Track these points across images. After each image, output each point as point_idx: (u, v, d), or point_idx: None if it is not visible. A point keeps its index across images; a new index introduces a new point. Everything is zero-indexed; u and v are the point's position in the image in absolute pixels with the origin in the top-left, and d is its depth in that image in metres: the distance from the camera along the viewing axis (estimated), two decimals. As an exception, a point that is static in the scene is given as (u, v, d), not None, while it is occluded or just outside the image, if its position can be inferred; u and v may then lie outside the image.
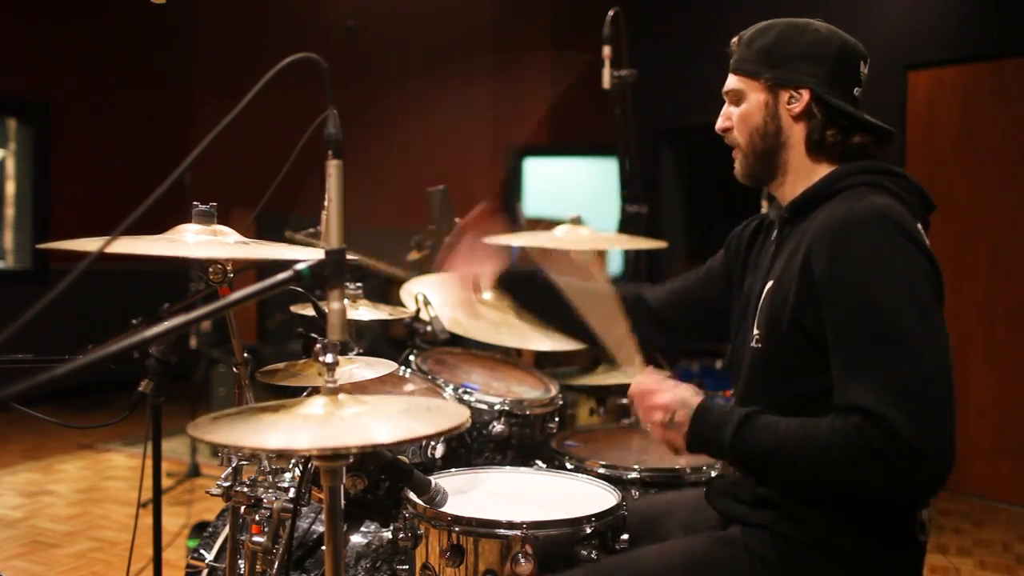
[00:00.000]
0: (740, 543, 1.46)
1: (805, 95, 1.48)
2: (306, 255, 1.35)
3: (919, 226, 1.41)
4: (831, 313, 1.34)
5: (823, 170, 1.50)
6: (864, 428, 1.25)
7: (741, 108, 1.54)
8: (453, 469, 1.86)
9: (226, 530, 1.81)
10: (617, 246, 3.66)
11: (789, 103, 1.50)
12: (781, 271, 1.47)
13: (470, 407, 2.17)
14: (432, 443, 1.95)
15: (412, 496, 1.56)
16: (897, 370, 1.26)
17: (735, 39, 1.58)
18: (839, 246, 1.34)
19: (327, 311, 1.12)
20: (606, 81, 3.01)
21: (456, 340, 2.56)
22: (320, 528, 1.93)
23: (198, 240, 1.48)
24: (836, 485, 1.31)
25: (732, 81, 1.56)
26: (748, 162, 1.56)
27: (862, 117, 1.49)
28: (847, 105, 1.48)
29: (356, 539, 1.90)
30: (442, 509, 1.52)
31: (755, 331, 1.51)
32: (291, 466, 1.67)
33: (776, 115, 1.51)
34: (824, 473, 1.30)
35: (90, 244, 1.36)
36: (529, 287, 1.90)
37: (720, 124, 1.59)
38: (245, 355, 1.65)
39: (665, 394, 1.48)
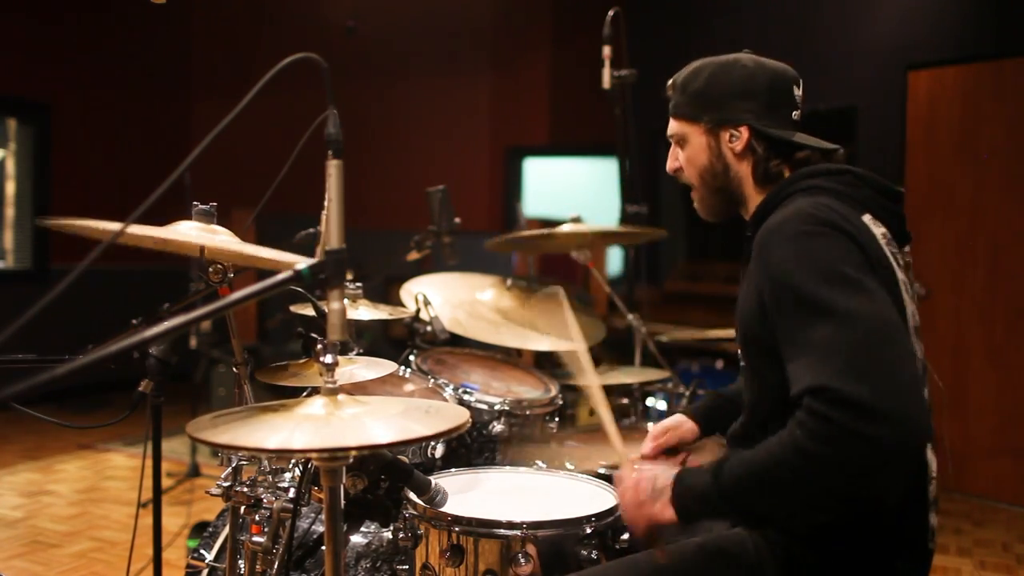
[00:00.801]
0: (747, 546, 1.46)
1: (744, 132, 1.53)
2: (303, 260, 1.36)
3: (867, 217, 1.41)
4: (775, 318, 1.33)
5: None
6: (814, 408, 1.19)
7: (687, 151, 1.60)
8: (453, 469, 1.86)
9: (226, 530, 1.81)
10: (617, 241, 3.66)
11: (730, 141, 1.54)
12: (744, 290, 1.51)
13: (470, 407, 2.17)
14: (432, 443, 1.95)
15: (412, 496, 1.56)
16: (832, 341, 1.21)
17: (669, 83, 1.63)
18: (764, 256, 1.36)
19: (327, 311, 1.12)
20: (606, 81, 3.01)
21: (456, 340, 2.57)
22: (320, 528, 1.93)
23: (197, 236, 1.48)
24: (815, 480, 1.21)
25: (673, 126, 1.62)
26: (707, 201, 1.62)
27: (802, 143, 1.52)
28: (787, 133, 1.51)
29: (356, 539, 1.90)
30: (442, 509, 1.52)
31: (740, 350, 1.55)
32: (291, 466, 1.67)
33: (720, 154, 1.56)
34: (797, 470, 1.21)
35: (95, 225, 1.36)
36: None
37: (670, 165, 1.65)
38: (245, 355, 1.65)
39: (644, 474, 1.40)
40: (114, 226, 1.11)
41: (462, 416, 1.18)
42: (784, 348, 1.30)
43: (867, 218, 1.41)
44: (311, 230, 2.00)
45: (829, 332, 1.22)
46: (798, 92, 1.56)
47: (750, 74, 1.53)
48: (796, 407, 1.23)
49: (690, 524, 1.36)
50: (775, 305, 1.32)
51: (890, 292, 1.34)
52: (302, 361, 1.66)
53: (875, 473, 1.19)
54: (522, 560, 1.45)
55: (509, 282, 2.82)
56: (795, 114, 1.55)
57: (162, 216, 1.30)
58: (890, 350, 1.20)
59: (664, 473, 1.37)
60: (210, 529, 2.07)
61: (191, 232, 1.51)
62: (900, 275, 1.41)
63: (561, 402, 2.41)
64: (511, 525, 1.47)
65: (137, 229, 1.36)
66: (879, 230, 1.42)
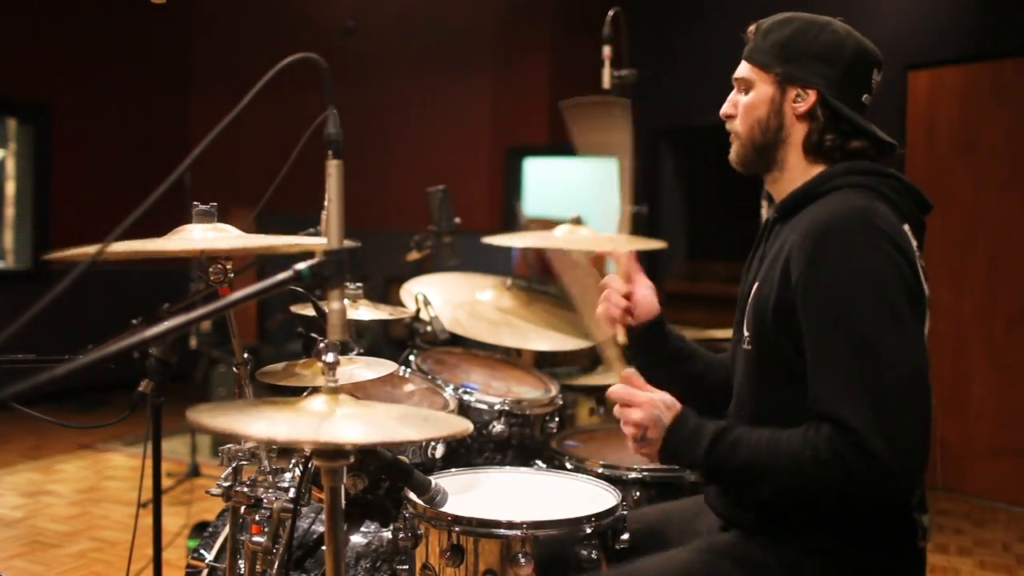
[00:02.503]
0: (740, 549, 1.46)
1: (812, 96, 1.47)
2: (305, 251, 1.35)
3: (906, 228, 1.40)
4: (806, 318, 1.34)
5: (816, 171, 1.49)
6: (834, 440, 1.26)
7: (748, 98, 1.53)
8: (453, 469, 1.86)
9: (226, 530, 1.81)
10: (617, 246, 3.65)
11: (795, 101, 1.49)
12: (765, 272, 1.47)
13: (470, 407, 2.17)
14: (432, 443, 1.95)
15: (412, 496, 1.56)
16: (869, 380, 1.25)
17: (753, 27, 1.56)
18: (816, 250, 1.34)
19: (327, 311, 1.12)
20: (606, 81, 3.01)
21: (456, 340, 2.57)
22: (320, 528, 1.93)
23: (205, 237, 1.48)
24: (803, 493, 1.33)
25: (743, 69, 1.55)
26: (744, 151, 1.56)
27: (865, 126, 1.48)
28: (851, 111, 1.47)
29: (356, 539, 1.90)
30: (442, 509, 1.52)
31: (745, 333, 1.51)
32: (291, 466, 1.67)
33: (780, 111, 1.50)
34: (794, 483, 1.32)
35: (92, 251, 1.36)
36: (656, 350, 1.78)
37: (725, 109, 1.58)
38: (245, 355, 1.65)
39: (638, 412, 1.44)
40: (116, 244, 1.11)
41: (461, 426, 1.17)
42: (811, 354, 1.33)
43: (906, 228, 1.40)
44: (311, 230, 2.00)
45: (867, 370, 1.26)
46: (877, 77, 1.51)
47: (839, 41, 1.48)
48: (814, 418, 1.30)
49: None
50: (815, 307, 1.32)
51: (923, 311, 1.36)
52: (302, 361, 1.66)
53: (861, 506, 1.34)
54: (522, 560, 1.45)
55: (509, 282, 2.82)
56: (866, 98, 1.50)
57: (162, 216, 1.30)
58: (916, 402, 1.26)
59: (657, 423, 1.42)
60: (210, 529, 2.07)
61: (206, 235, 1.51)
62: (926, 289, 1.40)
63: (561, 402, 2.41)
64: (511, 525, 1.47)
65: (140, 243, 1.36)
66: (914, 242, 1.40)
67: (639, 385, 1.48)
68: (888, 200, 1.41)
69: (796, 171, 1.51)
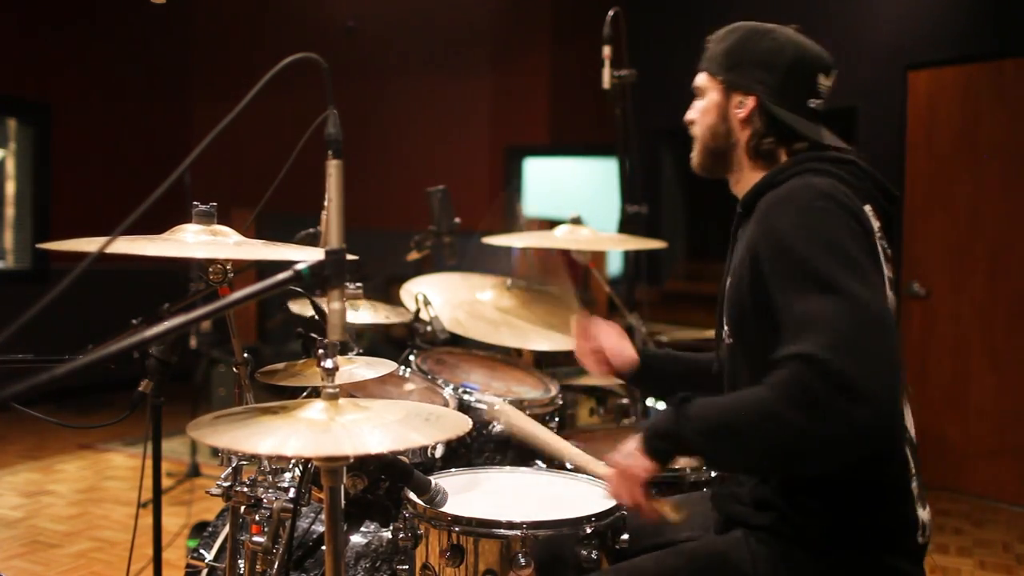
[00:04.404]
0: (742, 546, 1.46)
1: (750, 102, 1.54)
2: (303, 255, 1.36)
3: (868, 208, 1.42)
4: (771, 283, 1.34)
5: (762, 173, 1.54)
6: (796, 372, 1.20)
7: (701, 104, 1.62)
8: (453, 469, 1.86)
9: (226, 530, 1.81)
10: (617, 246, 3.66)
11: (738, 107, 1.55)
12: (737, 263, 1.50)
13: (470, 407, 2.17)
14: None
15: (412, 496, 1.56)
16: (828, 313, 1.22)
17: (710, 36, 1.63)
18: (772, 220, 1.37)
19: (327, 311, 1.12)
20: (606, 81, 3.01)
21: (456, 340, 2.57)
22: (320, 528, 1.93)
23: (198, 240, 1.48)
24: (783, 442, 1.24)
25: (699, 77, 1.63)
26: (701, 155, 1.63)
27: (802, 130, 1.51)
28: (790, 116, 1.51)
29: (356, 539, 1.90)
30: (442, 509, 1.52)
31: (725, 327, 1.55)
32: (291, 466, 1.67)
33: (727, 116, 1.57)
34: (768, 430, 1.23)
35: (90, 244, 1.36)
36: (650, 383, 1.88)
37: (688, 115, 1.66)
38: (245, 355, 1.65)
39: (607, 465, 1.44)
40: (117, 238, 1.11)
41: (463, 424, 1.17)
42: (783, 319, 1.31)
43: (867, 209, 1.43)
44: (311, 230, 2.00)
45: (827, 306, 1.23)
46: (825, 81, 1.54)
47: (778, 48, 1.52)
48: (774, 368, 1.25)
49: (667, 464, 1.38)
50: (776, 272, 1.33)
51: (883, 282, 1.37)
52: (302, 361, 1.66)
53: (839, 448, 1.22)
54: (522, 560, 1.45)
55: (509, 282, 2.82)
56: (814, 102, 1.53)
57: (162, 216, 1.30)
58: (883, 337, 1.22)
59: (630, 441, 1.40)
60: (210, 529, 2.07)
61: (199, 238, 1.51)
62: (887, 271, 1.43)
63: (561, 402, 2.40)
64: (511, 525, 1.47)
65: (147, 245, 1.36)
66: (876, 223, 1.43)
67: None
68: (846, 182, 1.43)
69: (745, 173, 1.58)
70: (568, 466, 1.80)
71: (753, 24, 1.57)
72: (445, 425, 1.17)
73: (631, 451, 1.39)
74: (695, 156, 1.64)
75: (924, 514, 1.42)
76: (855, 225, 1.33)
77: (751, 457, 1.31)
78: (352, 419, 1.15)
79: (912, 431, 1.47)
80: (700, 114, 1.61)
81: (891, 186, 1.51)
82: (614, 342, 1.79)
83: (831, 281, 1.25)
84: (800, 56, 1.53)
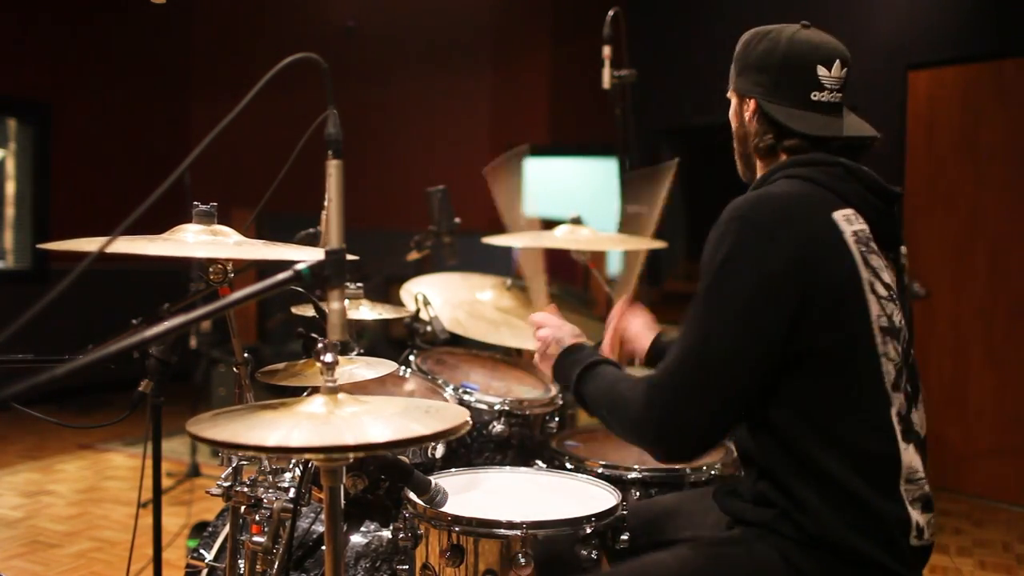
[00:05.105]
0: (742, 543, 1.46)
1: (752, 105, 1.58)
2: (303, 255, 1.36)
3: (848, 211, 1.43)
4: None
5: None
6: (642, 389, 1.43)
7: (729, 113, 1.67)
8: (453, 469, 1.86)
9: (226, 530, 1.81)
10: (617, 246, 3.66)
11: (747, 111, 1.60)
12: None
13: (470, 407, 2.17)
14: (432, 443, 1.95)
15: (412, 496, 1.56)
16: (681, 345, 1.40)
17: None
18: (709, 238, 1.46)
19: (327, 311, 1.12)
20: (606, 81, 3.01)
21: (456, 340, 2.56)
22: (320, 528, 1.93)
23: (198, 240, 1.47)
24: (615, 424, 1.52)
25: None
26: (739, 162, 1.70)
27: (789, 125, 1.52)
28: (783, 111, 1.52)
29: (356, 539, 1.90)
30: (442, 509, 1.52)
31: None
32: (291, 466, 1.67)
33: (743, 121, 1.62)
34: (610, 412, 1.51)
35: (90, 244, 1.36)
36: None
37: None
38: (245, 355, 1.65)
39: (547, 329, 1.74)
40: (118, 237, 1.11)
41: (462, 416, 1.18)
42: None
43: (845, 212, 1.42)
44: (311, 230, 2.00)
45: (684, 336, 1.41)
46: (825, 72, 1.53)
47: (770, 48, 1.55)
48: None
49: (556, 379, 1.70)
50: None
51: (845, 294, 1.39)
52: (302, 361, 1.66)
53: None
54: (522, 560, 1.45)
55: (509, 282, 2.81)
56: (817, 95, 1.52)
57: (162, 216, 1.30)
58: (699, 376, 1.38)
59: (558, 343, 1.70)
60: (210, 529, 2.07)
61: (199, 238, 1.51)
62: (865, 274, 1.41)
63: (561, 402, 2.40)
64: (511, 525, 1.47)
65: (147, 245, 1.36)
66: (853, 227, 1.42)
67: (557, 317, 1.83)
68: (821, 185, 1.45)
69: (760, 173, 1.61)
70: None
71: (756, 29, 1.60)
72: (445, 417, 1.17)
73: (551, 355, 1.70)
74: (738, 165, 1.71)
75: (920, 516, 1.42)
76: (768, 252, 1.37)
77: (613, 428, 1.57)
78: (352, 411, 1.15)
79: (923, 434, 1.47)
80: (731, 120, 1.67)
81: (889, 186, 1.50)
82: (636, 330, 2.04)
83: (703, 309, 1.39)
84: (791, 52, 1.53)
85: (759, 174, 1.60)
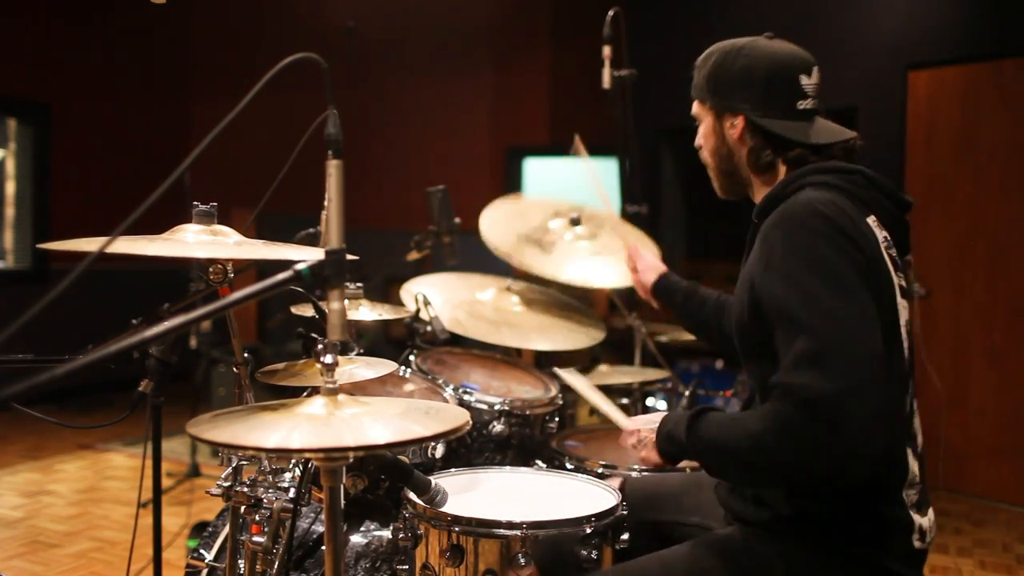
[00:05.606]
0: (740, 543, 1.47)
1: (739, 121, 1.57)
2: (303, 255, 1.35)
3: (872, 219, 1.43)
4: (768, 311, 1.37)
5: (771, 183, 1.56)
6: (782, 403, 1.25)
7: (701, 130, 1.66)
8: (453, 469, 1.86)
9: (226, 530, 1.81)
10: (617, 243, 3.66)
11: (730, 128, 1.58)
12: (740, 276, 1.55)
13: (470, 407, 2.17)
14: (432, 443, 1.95)
15: (412, 496, 1.56)
16: (818, 340, 1.25)
17: (694, 63, 1.67)
18: (769, 246, 1.39)
19: (327, 311, 1.12)
20: (606, 81, 3.01)
21: (456, 340, 2.57)
22: (320, 528, 1.93)
23: (198, 240, 1.47)
24: (770, 468, 1.31)
25: (694, 105, 1.67)
26: (719, 180, 1.68)
27: (792, 136, 1.52)
28: (779, 124, 1.52)
29: (356, 539, 1.90)
30: (442, 509, 1.52)
31: (734, 335, 1.58)
32: (291, 466, 1.67)
33: (724, 138, 1.61)
34: (757, 456, 1.30)
35: (90, 244, 1.36)
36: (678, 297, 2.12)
37: (696, 142, 1.70)
38: (245, 355, 1.65)
39: (633, 425, 1.63)
40: (118, 238, 1.11)
41: (462, 417, 1.18)
42: (776, 336, 1.34)
43: (872, 220, 1.44)
44: (311, 230, 2.00)
45: (817, 330, 1.26)
46: (807, 80, 1.55)
47: (749, 65, 1.54)
48: (771, 392, 1.30)
49: (674, 463, 1.54)
50: (771, 295, 1.35)
51: (883, 296, 1.37)
52: (302, 361, 1.66)
53: (821, 479, 1.31)
54: (522, 560, 1.45)
55: (509, 283, 2.82)
56: (803, 103, 1.54)
57: (162, 216, 1.30)
58: (867, 367, 1.24)
59: (648, 424, 1.58)
60: (210, 529, 2.07)
61: (199, 238, 1.51)
62: (896, 279, 1.43)
63: (561, 402, 2.41)
64: (511, 525, 1.47)
65: (147, 245, 1.36)
66: (881, 233, 1.44)
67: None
68: (849, 194, 1.44)
69: (757, 188, 1.61)
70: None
71: (725, 44, 1.60)
72: (445, 418, 1.17)
73: (646, 441, 1.55)
74: (714, 182, 1.69)
75: (922, 519, 1.42)
76: (846, 244, 1.34)
77: (745, 478, 1.45)
78: (352, 413, 1.15)
79: (919, 438, 1.47)
80: (702, 139, 1.65)
81: (902, 194, 1.52)
82: (646, 264, 2.20)
83: (819, 307, 1.27)
84: (774, 64, 1.54)
85: (756, 188, 1.60)
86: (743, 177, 1.62)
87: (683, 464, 1.61)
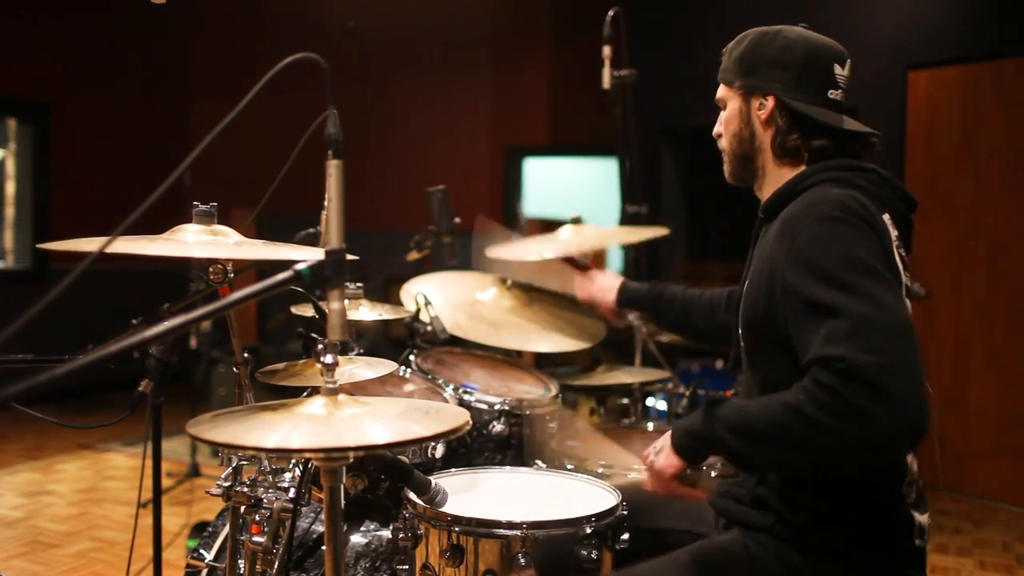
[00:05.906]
0: (740, 547, 1.46)
1: (770, 102, 1.54)
2: (303, 255, 1.35)
3: (886, 217, 1.44)
4: (790, 302, 1.34)
5: (789, 174, 1.55)
6: (823, 377, 1.21)
7: (724, 114, 1.63)
8: (453, 469, 1.86)
9: (226, 530, 1.81)
10: (618, 239, 3.68)
11: (759, 109, 1.56)
12: (754, 270, 1.52)
13: (470, 407, 2.17)
14: (432, 443, 1.95)
15: (412, 496, 1.56)
16: (854, 317, 1.22)
17: (724, 49, 1.65)
18: (793, 237, 1.37)
19: (327, 311, 1.12)
20: (606, 81, 3.01)
21: (456, 340, 2.56)
22: (320, 528, 1.93)
23: (198, 240, 1.47)
24: (810, 442, 1.23)
25: (719, 90, 1.65)
26: (732, 166, 1.65)
27: (825, 120, 1.51)
28: (811, 108, 1.51)
29: (356, 539, 1.90)
30: (442, 509, 1.52)
31: (740, 330, 1.57)
32: (291, 466, 1.67)
33: (749, 121, 1.58)
34: (796, 429, 1.23)
35: (90, 244, 1.36)
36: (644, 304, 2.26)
37: (715, 130, 1.68)
38: (245, 355, 1.65)
39: (651, 453, 1.50)
40: (118, 238, 1.11)
41: (462, 417, 1.18)
42: (801, 324, 1.31)
43: (886, 218, 1.44)
44: (311, 230, 2.00)
45: (852, 309, 1.23)
46: (841, 71, 1.55)
47: (788, 45, 1.54)
48: (805, 373, 1.26)
49: (698, 462, 1.43)
50: (797, 283, 1.33)
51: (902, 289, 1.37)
52: (302, 361, 1.66)
53: (866, 448, 1.21)
54: (522, 560, 1.45)
55: (509, 282, 2.81)
56: (833, 93, 1.54)
57: (162, 216, 1.30)
58: (906, 341, 1.22)
59: (662, 437, 1.47)
60: (210, 529, 2.07)
61: (199, 238, 1.51)
62: (904, 278, 1.43)
63: (561, 402, 2.40)
64: (511, 525, 1.47)
65: (147, 245, 1.36)
66: (894, 232, 1.45)
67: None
68: (866, 191, 1.44)
69: (772, 176, 1.58)
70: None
71: (762, 28, 1.59)
72: (445, 418, 1.17)
73: (662, 448, 1.46)
74: (726, 166, 1.66)
75: (921, 517, 1.42)
76: (871, 235, 1.34)
77: (779, 457, 1.31)
78: (352, 413, 1.15)
79: None
80: (724, 124, 1.64)
81: (911, 194, 1.53)
82: (600, 285, 2.33)
83: (852, 286, 1.26)
84: (812, 49, 1.54)
85: (767, 181, 1.58)
86: (757, 166, 1.60)
87: (709, 461, 1.55)
